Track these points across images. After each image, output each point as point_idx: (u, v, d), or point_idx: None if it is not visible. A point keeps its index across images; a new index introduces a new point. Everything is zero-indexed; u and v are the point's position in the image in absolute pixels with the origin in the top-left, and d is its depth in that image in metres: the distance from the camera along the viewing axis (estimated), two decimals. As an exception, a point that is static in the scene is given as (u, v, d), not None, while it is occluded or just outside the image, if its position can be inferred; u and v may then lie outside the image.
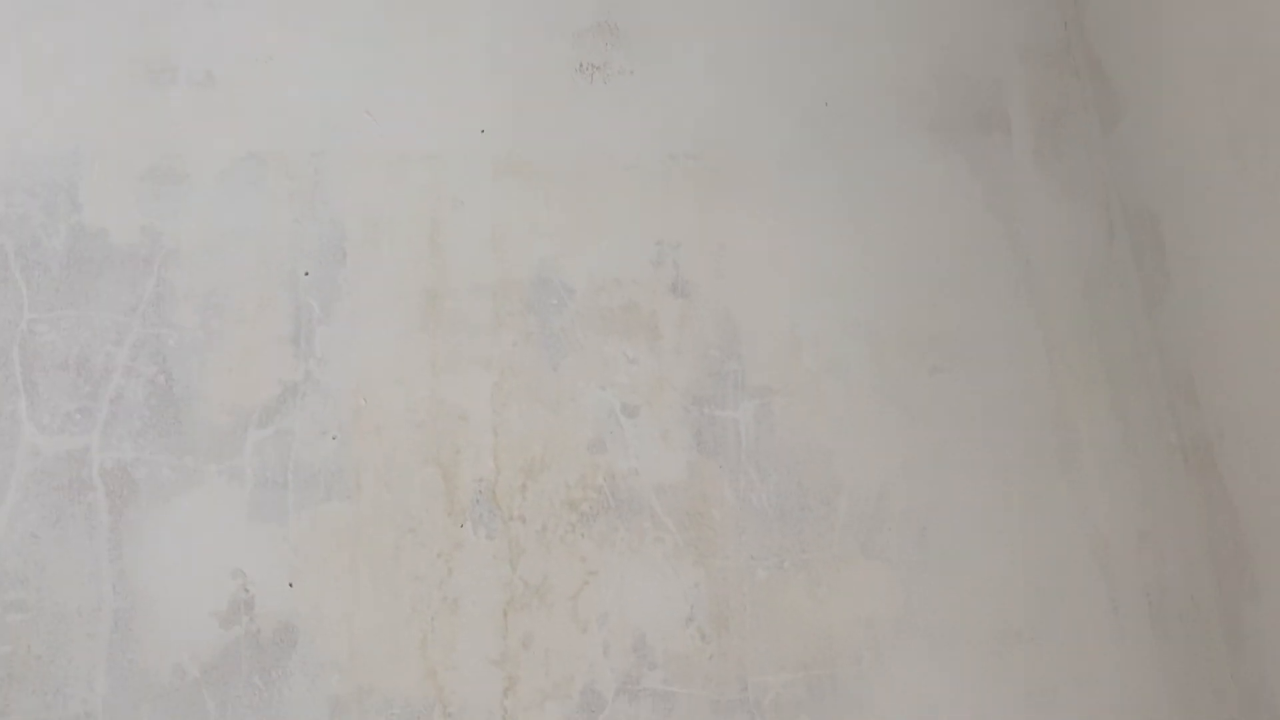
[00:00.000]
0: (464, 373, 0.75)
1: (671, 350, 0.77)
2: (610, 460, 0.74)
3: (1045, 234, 0.82)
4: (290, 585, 0.70)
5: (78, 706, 0.66)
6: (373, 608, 0.70)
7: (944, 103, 0.85)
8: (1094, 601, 0.73)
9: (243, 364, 0.74)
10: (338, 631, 0.70)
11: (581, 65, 0.83)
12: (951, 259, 0.80)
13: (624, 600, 0.71)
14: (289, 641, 0.69)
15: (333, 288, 0.77)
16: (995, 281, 0.80)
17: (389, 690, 0.69)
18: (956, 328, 0.78)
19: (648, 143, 0.81)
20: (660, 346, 0.77)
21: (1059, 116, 0.86)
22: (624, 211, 0.79)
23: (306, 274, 0.77)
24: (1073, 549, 0.74)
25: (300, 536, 0.71)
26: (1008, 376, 0.78)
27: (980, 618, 0.72)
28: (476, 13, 0.83)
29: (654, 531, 0.72)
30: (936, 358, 0.77)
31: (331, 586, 0.70)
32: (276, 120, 0.78)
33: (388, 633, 0.70)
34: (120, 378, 0.72)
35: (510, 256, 0.78)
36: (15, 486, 0.69)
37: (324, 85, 0.79)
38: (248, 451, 0.72)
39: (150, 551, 0.70)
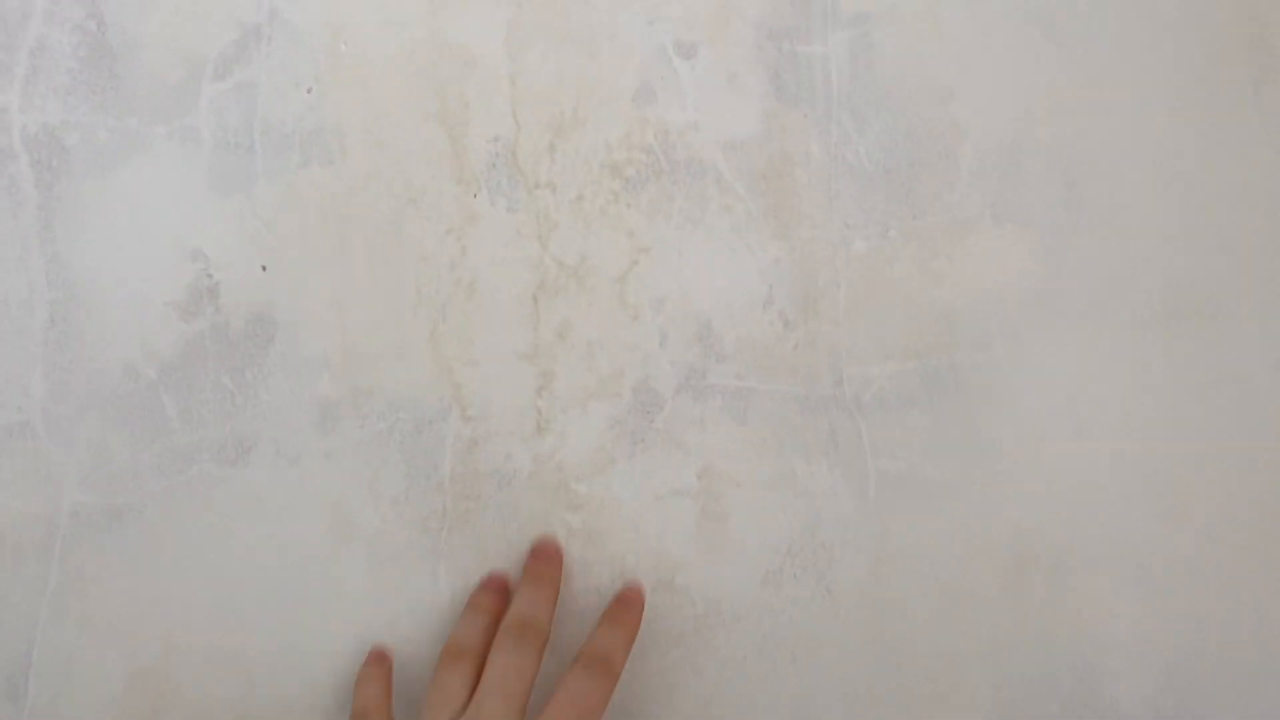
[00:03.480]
0: (470, 6, 0.58)
1: (737, -29, 0.59)
2: (662, 112, 0.57)
3: None
4: (263, 268, 0.56)
5: (11, 415, 0.53)
6: (369, 293, 0.55)
7: None
8: (1296, 269, 0.56)
9: (192, 3, 0.58)
10: (325, 322, 0.55)
11: None
12: None
13: (684, 281, 0.56)
14: (265, 335, 0.55)
15: (299, -94, 0.59)
16: None
17: (393, 391, 0.55)
18: (1114, -73, 0.59)
19: None
20: (723, -33, 0.59)
21: None
22: None
23: (265, -110, 0.59)
24: (1269, 201, 0.56)
25: (273, 209, 0.56)
26: (1184, -14, 0.59)
27: (1145, 290, 0.55)
28: None
29: (720, 198, 0.56)
30: (1088, -33, 0.58)
31: (315, 269, 0.56)
32: None
33: (389, 322, 0.55)
34: (40, 24, 0.57)
35: None
36: (-82, 157, 0.55)
37: None
38: (202, 109, 0.57)
39: (89, 231, 0.55)
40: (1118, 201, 0.56)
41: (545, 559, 0.44)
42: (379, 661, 0.44)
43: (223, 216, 0.55)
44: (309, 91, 0.56)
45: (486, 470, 0.53)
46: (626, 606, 0.45)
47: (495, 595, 0.49)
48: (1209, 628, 0.54)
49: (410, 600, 0.53)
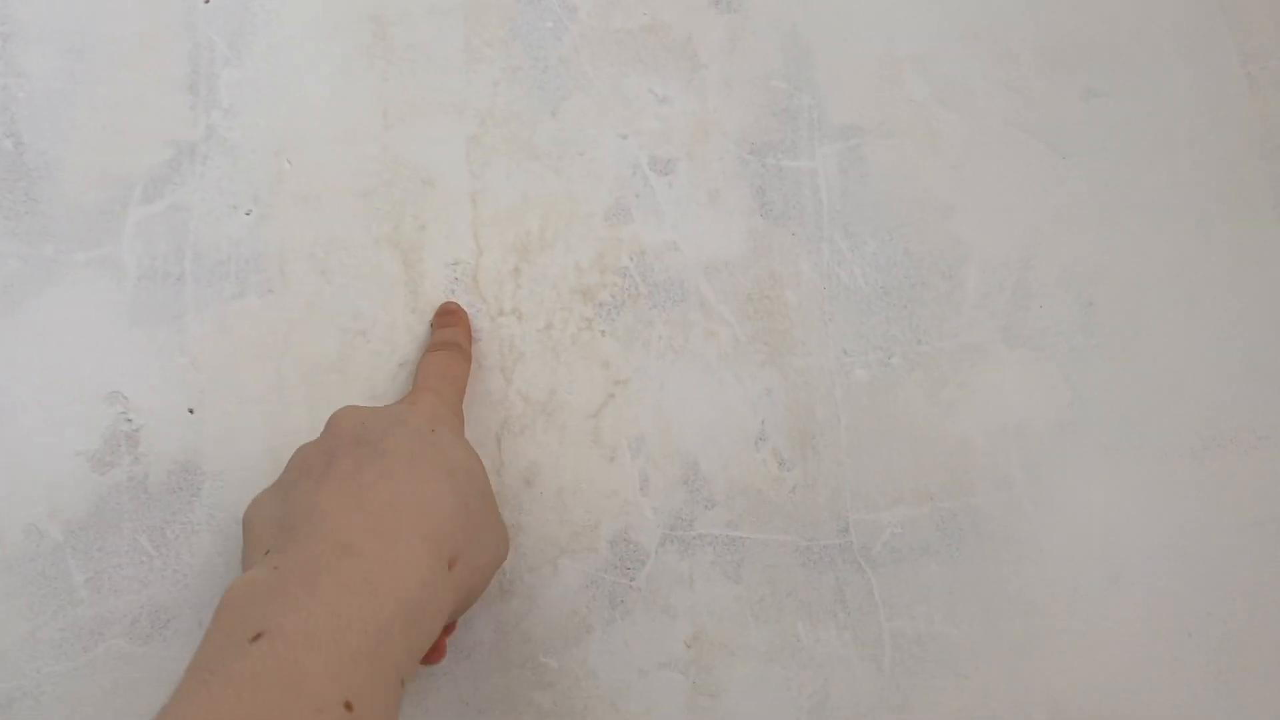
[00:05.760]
0: (427, 123, 0.53)
1: (718, 83, 0.55)
2: (637, 232, 0.52)
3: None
4: (190, 411, 0.49)
5: (-112, 587, 0.46)
6: (309, 438, 0.49)
7: None
8: (1340, 394, 0.51)
9: (120, 121, 0.53)
10: (260, 471, 0.49)
11: None
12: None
13: (666, 417, 0.50)
14: (190, 487, 0.48)
15: (244, 17, 0.55)
16: (1167, -35, 0.58)
17: (335, 550, 0.47)
18: (1115, 35, 0.55)
19: None
20: (702, 79, 0.55)
21: None
22: (642, -105, 0.57)
23: (207, 1, 0.55)
24: (1303, 322, 0.52)
25: (203, 345, 0.50)
26: (1190, 95, 0.55)
27: (1176, 419, 0.50)
28: None
29: (705, 324, 0.51)
30: (1091, 77, 0.55)
31: (249, 411, 0.49)
32: None
33: (331, 472, 0.48)
34: (-50, 144, 0.51)
35: (487, -33, 0.56)
36: None
37: None
38: (128, 235, 0.51)
39: (-8, 372, 0.49)
40: (1140, 322, 0.51)
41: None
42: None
43: (146, 354, 0.48)
44: (248, 214, 0.51)
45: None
46: (447, 310, 0.48)
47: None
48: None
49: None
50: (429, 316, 0.50)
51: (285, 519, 0.36)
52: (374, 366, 0.49)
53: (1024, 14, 0.55)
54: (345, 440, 0.38)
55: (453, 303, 0.47)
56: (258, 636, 0.30)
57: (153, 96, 0.53)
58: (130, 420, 0.48)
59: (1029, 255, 0.51)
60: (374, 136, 0.53)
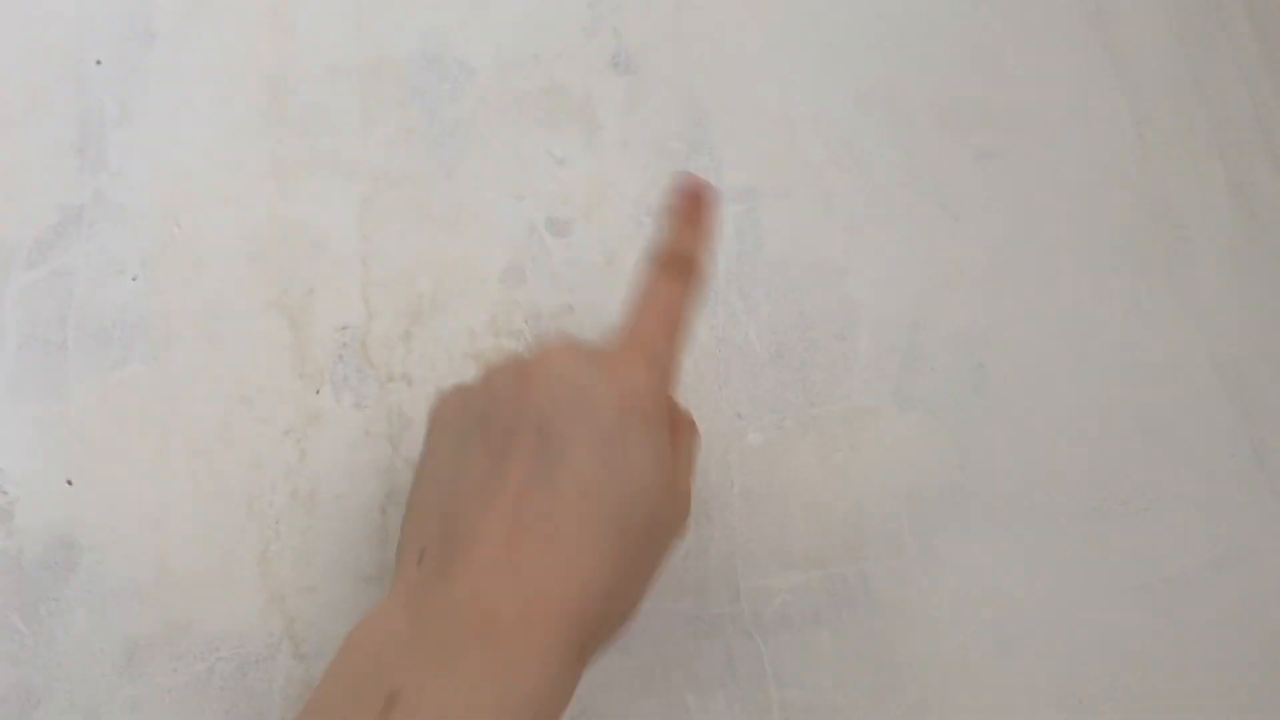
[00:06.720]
0: (319, 184, 0.53)
1: (615, 144, 0.55)
2: (533, 294, 0.52)
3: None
4: (69, 482, 0.48)
5: None
6: (191, 509, 0.48)
7: None
8: (1226, 452, 0.51)
9: (6, 185, 0.52)
10: (140, 545, 0.48)
11: None
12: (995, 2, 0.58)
13: (557, 484, 0.49)
14: (67, 562, 0.47)
15: (135, 79, 0.54)
16: (1058, 28, 0.58)
17: (214, 625, 0.47)
18: (1007, 94, 0.56)
19: None
20: (600, 140, 0.55)
21: None
22: (539, -41, 0.57)
23: (99, 62, 0.55)
24: (1191, 382, 0.52)
25: (84, 415, 0.49)
26: (1083, 155, 0.56)
27: (1068, 482, 0.50)
28: None
29: (598, 388, 0.50)
30: (983, 136, 0.55)
31: (130, 482, 0.48)
32: None
33: (214, 543, 0.48)
34: None
35: (383, 29, 0.56)
36: None
37: None
38: (8, 302, 0.50)
39: None
40: (1031, 384, 0.51)
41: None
42: None
43: (24, 425, 0.48)
44: (134, 279, 0.50)
45: None
46: (686, 194, 0.39)
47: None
48: None
49: None
50: (316, 383, 0.50)
51: (449, 517, 0.35)
52: (257, 433, 0.49)
53: (918, 76, 0.56)
54: (531, 421, 0.35)
55: (695, 180, 0.38)
56: (391, 700, 0.30)
57: (40, 159, 0.52)
58: (5, 493, 0.47)
59: (920, 317, 0.52)
60: (266, 198, 0.52)
